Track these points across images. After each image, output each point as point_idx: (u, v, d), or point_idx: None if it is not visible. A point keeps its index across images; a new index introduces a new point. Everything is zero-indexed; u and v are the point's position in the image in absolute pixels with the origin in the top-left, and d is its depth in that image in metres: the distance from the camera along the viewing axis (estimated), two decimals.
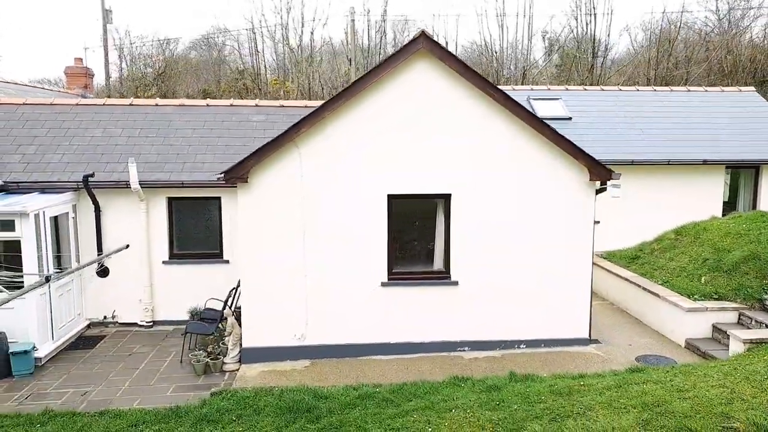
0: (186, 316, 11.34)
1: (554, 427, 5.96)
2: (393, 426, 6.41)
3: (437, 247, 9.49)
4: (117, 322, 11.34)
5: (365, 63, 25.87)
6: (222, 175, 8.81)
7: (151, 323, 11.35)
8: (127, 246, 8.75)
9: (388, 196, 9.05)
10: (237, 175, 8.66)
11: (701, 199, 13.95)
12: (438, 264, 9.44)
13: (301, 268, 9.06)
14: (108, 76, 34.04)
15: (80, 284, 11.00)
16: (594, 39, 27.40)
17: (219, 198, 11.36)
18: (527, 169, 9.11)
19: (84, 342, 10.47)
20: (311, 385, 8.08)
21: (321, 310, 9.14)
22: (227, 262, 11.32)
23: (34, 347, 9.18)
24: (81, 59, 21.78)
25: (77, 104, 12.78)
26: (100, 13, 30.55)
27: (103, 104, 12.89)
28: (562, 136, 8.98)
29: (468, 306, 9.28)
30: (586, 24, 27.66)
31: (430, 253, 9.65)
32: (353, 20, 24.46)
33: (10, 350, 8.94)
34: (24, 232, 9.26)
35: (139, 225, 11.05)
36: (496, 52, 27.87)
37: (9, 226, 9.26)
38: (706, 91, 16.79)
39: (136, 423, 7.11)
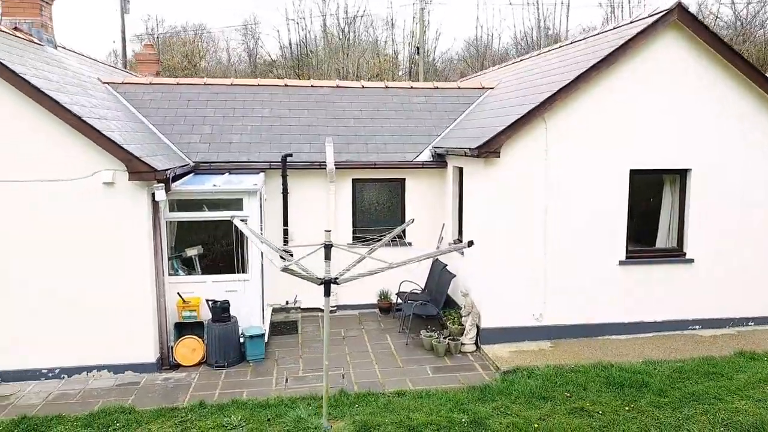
0: (366, 300, 11.11)
1: None
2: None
3: (669, 224, 9.42)
4: (299, 307, 10.95)
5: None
6: (469, 149, 8.58)
7: (336, 308, 11.01)
8: (412, 220, 8.42)
9: (630, 171, 8.93)
10: (490, 149, 8.43)
11: None
12: (671, 242, 9.37)
13: (541, 246, 8.87)
14: (126, 63, 33.43)
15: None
16: None
17: (403, 180, 11.09)
18: None
19: (280, 327, 10.07)
20: (586, 363, 7.94)
21: (559, 289, 8.97)
22: (409, 244, 11.05)
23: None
24: (152, 45, 21.18)
25: (232, 84, 12.33)
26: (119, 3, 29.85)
27: (257, 84, 12.46)
28: None
29: (702, 284, 9.23)
30: None
31: (659, 231, 9.57)
32: (422, 8, 24.26)
33: (248, 334, 8.54)
34: (251, 210, 8.87)
35: (323, 207, 10.73)
36: None
37: (237, 204, 8.86)
38: None
39: (461, 402, 6.84)
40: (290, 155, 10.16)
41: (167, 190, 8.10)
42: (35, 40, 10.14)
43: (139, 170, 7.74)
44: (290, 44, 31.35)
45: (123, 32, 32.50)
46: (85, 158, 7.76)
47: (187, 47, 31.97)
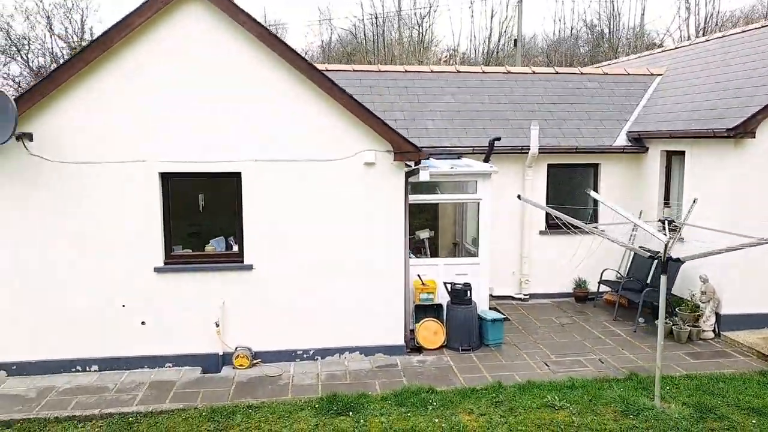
0: (559, 289, 10.92)
1: None
2: None
3: None
4: (491, 294, 10.80)
5: None
6: (713, 131, 8.34)
7: (528, 297, 10.84)
8: (695, 200, 8.20)
9: None
10: (746, 129, 8.17)
11: None
12: None
13: None
14: None
15: None
16: None
17: (597, 165, 10.88)
18: None
19: None
20: None
21: None
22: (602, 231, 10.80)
23: (506, 318, 8.65)
24: None
25: (405, 71, 12.25)
26: None
27: (431, 71, 12.36)
28: None
29: None
30: None
31: None
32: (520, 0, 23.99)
33: (489, 318, 8.41)
34: (484, 193, 8.74)
35: (514, 193, 10.54)
36: None
37: (470, 187, 8.75)
38: None
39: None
40: (498, 139, 10.01)
41: (415, 172, 8.01)
42: None
43: (404, 150, 7.67)
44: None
45: None
46: (348, 139, 7.71)
47: None
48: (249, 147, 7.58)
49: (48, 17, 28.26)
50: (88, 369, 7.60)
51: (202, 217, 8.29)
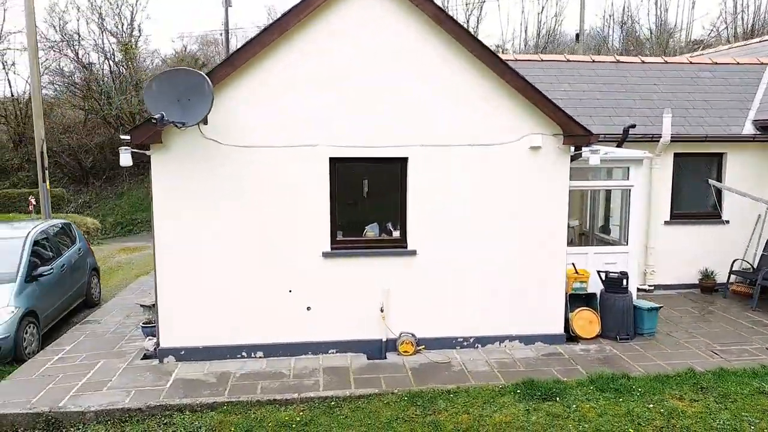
0: (683, 280, 10.75)
1: None
2: None
3: None
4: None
5: None
6: None
7: (653, 287, 10.68)
8: None
9: None
10: None
11: None
12: None
13: None
14: (228, 52, 33.95)
15: None
16: None
17: (722, 154, 10.70)
18: None
19: None
20: None
21: None
22: (725, 222, 10.65)
23: (661, 306, 8.50)
24: None
25: (515, 60, 12.11)
26: None
27: (540, 60, 12.21)
28: None
29: None
30: None
31: None
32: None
33: (644, 307, 8.27)
34: (637, 180, 8.60)
35: (643, 182, 10.40)
36: None
37: (622, 173, 8.62)
38: None
39: None
40: (633, 126, 9.85)
41: (577, 157, 7.89)
42: None
43: (574, 133, 7.55)
44: None
45: (226, 23, 33.35)
46: (513, 122, 7.61)
47: None
48: (416, 131, 7.49)
49: (100, 14, 28.39)
50: (253, 355, 7.55)
51: (359, 202, 8.21)
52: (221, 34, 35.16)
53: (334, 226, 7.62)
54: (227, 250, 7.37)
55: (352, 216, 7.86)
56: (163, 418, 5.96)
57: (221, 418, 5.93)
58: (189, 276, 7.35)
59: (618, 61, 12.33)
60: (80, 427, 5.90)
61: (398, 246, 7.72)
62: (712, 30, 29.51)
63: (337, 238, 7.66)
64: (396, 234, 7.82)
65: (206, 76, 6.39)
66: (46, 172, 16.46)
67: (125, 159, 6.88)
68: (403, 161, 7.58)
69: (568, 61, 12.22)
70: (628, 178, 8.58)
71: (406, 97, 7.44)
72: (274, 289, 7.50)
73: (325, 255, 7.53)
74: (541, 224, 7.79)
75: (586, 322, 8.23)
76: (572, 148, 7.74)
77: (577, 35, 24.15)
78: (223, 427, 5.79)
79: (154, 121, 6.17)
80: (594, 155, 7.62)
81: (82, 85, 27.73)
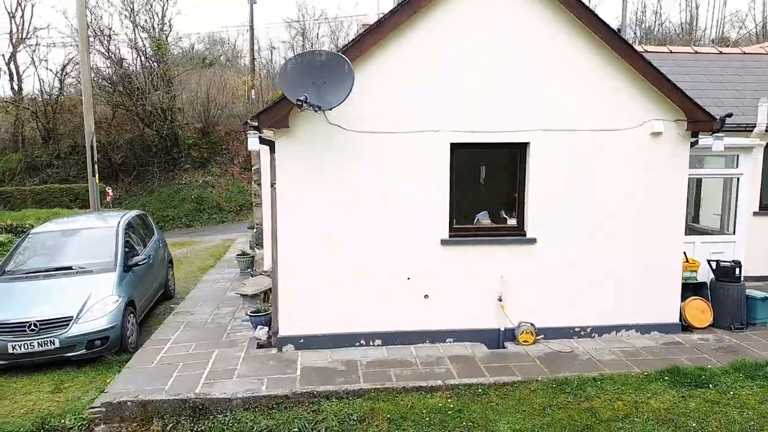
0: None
1: None
2: None
3: None
4: None
5: None
6: None
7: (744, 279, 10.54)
8: None
9: None
10: None
11: None
12: None
13: None
14: (252, 51, 33.95)
15: None
16: None
17: None
18: None
19: None
20: None
21: None
22: None
23: None
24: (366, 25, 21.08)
25: (644, 51, 11.99)
26: None
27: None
28: None
29: None
30: None
31: None
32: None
33: (758, 296, 8.15)
34: (746, 168, 8.49)
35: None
36: None
37: (730, 161, 8.50)
38: None
39: None
40: (730, 115, 9.67)
41: (695, 144, 7.76)
42: None
43: (698, 119, 7.44)
44: None
45: (251, 20, 33.37)
46: (634, 107, 7.49)
47: None
48: (537, 116, 7.38)
49: (132, 8, 28.27)
50: (371, 343, 7.44)
51: (471, 190, 8.10)
52: (227, 32, 35.03)
53: (452, 213, 7.50)
54: (347, 237, 7.26)
55: (465, 203, 7.74)
56: (311, 405, 5.85)
57: (371, 405, 5.81)
58: (309, 264, 7.24)
59: (696, 52, 12.22)
60: (227, 413, 5.80)
61: (517, 234, 7.60)
62: (741, 27, 29.42)
63: (454, 226, 7.55)
64: (511, 222, 7.70)
65: (346, 58, 6.28)
66: (96, 166, 16.42)
67: (253, 143, 6.79)
68: (523, 146, 7.47)
69: (671, 52, 12.10)
70: (737, 166, 8.45)
71: (527, 81, 7.32)
72: (393, 276, 7.38)
73: (444, 242, 7.41)
74: (660, 213, 7.66)
75: (698, 311, 8.11)
76: (690, 134, 7.63)
77: (618, 30, 23.92)
78: (374, 414, 5.68)
79: (299, 103, 6.05)
80: (718, 141, 7.50)
81: (116, 80, 27.60)
